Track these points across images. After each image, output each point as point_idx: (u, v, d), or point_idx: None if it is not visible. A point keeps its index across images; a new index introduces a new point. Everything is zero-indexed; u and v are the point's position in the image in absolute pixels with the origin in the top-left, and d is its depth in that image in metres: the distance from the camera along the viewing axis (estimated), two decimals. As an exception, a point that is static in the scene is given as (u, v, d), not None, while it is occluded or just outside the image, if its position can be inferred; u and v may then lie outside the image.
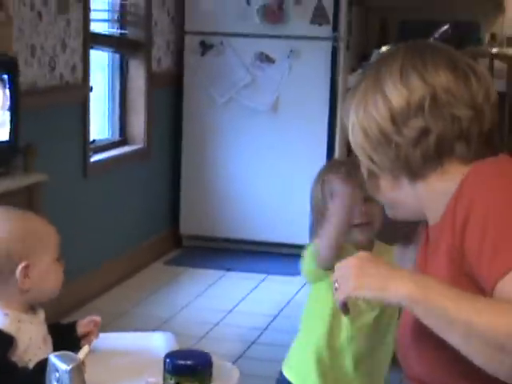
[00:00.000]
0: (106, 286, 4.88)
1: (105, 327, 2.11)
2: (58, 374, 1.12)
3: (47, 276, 1.88)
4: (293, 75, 5.52)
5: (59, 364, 1.11)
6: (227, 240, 5.73)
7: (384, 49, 4.51)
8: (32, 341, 1.82)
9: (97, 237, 4.81)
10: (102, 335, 2.05)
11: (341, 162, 2.59)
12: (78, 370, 1.11)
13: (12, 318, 1.82)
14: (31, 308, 1.89)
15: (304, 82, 5.50)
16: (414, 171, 1.50)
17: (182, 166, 5.76)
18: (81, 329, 1.98)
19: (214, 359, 1.09)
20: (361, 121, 1.54)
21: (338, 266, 1.39)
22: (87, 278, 4.58)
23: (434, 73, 1.49)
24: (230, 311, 4.65)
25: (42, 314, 1.90)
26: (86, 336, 1.96)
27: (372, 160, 1.55)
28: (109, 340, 2.08)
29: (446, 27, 3.80)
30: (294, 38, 5.50)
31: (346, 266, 1.36)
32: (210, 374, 1.04)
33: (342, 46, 5.45)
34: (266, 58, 5.55)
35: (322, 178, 2.42)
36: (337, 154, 5.41)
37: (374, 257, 1.39)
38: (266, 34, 5.52)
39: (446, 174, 1.48)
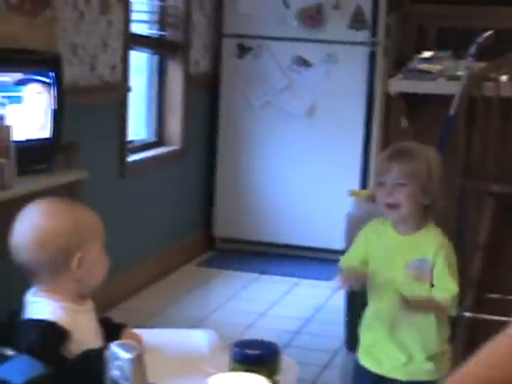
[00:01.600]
0: (139, 286, 4.91)
1: (137, 327, 2.13)
2: (119, 363, 1.14)
3: (97, 264, 1.91)
4: (330, 80, 5.52)
5: (121, 352, 1.13)
6: (261, 243, 5.74)
7: (424, 54, 4.50)
8: (85, 332, 1.85)
9: (131, 237, 4.84)
10: (141, 331, 2.06)
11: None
12: (140, 359, 1.12)
13: (67, 311, 1.85)
14: (81, 298, 1.91)
15: (341, 86, 5.50)
16: None
17: (216, 168, 5.78)
18: (125, 337, 1.98)
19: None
20: None
21: None
22: (120, 278, 4.60)
23: None
24: (263, 314, 4.66)
25: (91, 304, 1.93)
26: None
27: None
28: (149, 336, 2.10)
29: (489, 32, 3.79)
30: (332, 42, 5.50)
31: None
32: (278, 364, 1.05)
33: (379, 51, 5.45)
34: (303, 62, 5.56)
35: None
36: (372, 159, 5.41)
37: None
38: (303, 37, 5.53)
39: None
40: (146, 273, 5.00)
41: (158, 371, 1.80)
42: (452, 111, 3.65)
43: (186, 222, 5.61)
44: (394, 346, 2.58)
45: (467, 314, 3.54)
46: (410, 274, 2.53)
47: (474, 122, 3.67)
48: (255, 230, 5.73)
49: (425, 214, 2.59)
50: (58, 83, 3.49)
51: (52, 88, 3.47)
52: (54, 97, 3.47)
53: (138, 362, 1.11)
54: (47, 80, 3.45)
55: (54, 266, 1.85)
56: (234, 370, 1.05)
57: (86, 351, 1.78)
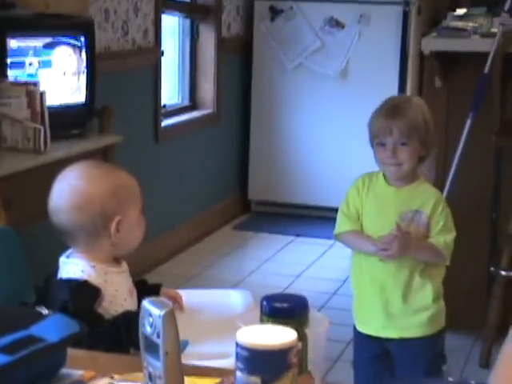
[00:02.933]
0: (175, 250, 4.94)
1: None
2: (151, 319, 1.14)
3: (135, 229, 1.91)
4: (363, 40, 5.47)
5: (153, 309, 1.14)
6: (295, 205, 5.74)
7: (458, 12, 4.43)
8: (118, 293, 1.86)
9: (166, 201, 4.86)
10: (180, 291, 2.08)
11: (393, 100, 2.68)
12: (171, 315, 1.13)
13: (99, 270, 1.86)
14: (116, 260, 1.92)
15: (374, 47, 5.45)
16: None
17: (250, 131, 5.77)
18: (164, 296, 2.01)
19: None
20: None
21: None
22: (157, 242, 4.64)
23: None
24: (299, 276, 4.67)
25: (125, 266, 1.94)
26: None
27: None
28: (187, 296, 2.11)
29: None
30: (365, 2, 5.45)
31: None
32: (307, 318, 1.05)
33: (413, 10, 5.38)
34: (335, 23, 5.51)
35: None
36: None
37: None
38: (336, -2, 5.48)
39: None
40: (182, 237, 5.03)
41: (192, 329, 1.82)
42: (486, 69, 3.60)
43: (221, 185, 5.62)
44: (383, 303, 2.59)
45: (503, 273, 3.52)
46: (403, 226, 2.53)
47: (509, 80, 3.62)
48: (290, 193, 5.72)
49: (417, 166, 2.61)
50: (90, 47, 3.49)
51: (83, 52, 3.47)
52: (87, 61, 3.48)
53: (170, 318, 1.12)
54: (78, 43, 3.46)
55: (93, 229, 1.86)
56: (262, 323, 1.05)
57: (126, 311, 1.80)
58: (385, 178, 2.61)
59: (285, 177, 5.72)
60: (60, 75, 3.43)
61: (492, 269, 3.61)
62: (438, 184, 3.76)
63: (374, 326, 2.63)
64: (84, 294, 1.80)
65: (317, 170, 5.66)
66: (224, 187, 5.67)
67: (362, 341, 2.69)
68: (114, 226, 1.85)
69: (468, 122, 3.59)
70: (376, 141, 2.57)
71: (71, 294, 1.78)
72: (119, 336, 1.73)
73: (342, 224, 2.63)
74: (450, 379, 3.12)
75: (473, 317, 3.71)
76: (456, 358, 3.56)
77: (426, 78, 4.45)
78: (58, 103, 3.39)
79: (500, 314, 3.50)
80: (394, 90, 5.43)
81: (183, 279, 4.51)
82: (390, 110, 2.57)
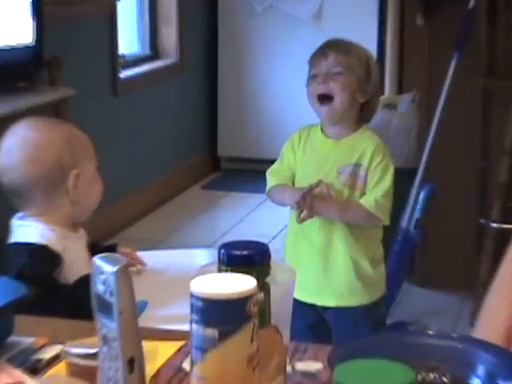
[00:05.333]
0: (140, 213, 4.93)
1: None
2: (103, 277, 1.13)
3: (92, 186, 1.90)
4: (338, -22, 5.45)
5: (105, 266, 1.13)
6: (270, 161, 5.70)
7: None
8: (78, 259, 1.85)
9: (127, 160, 4.84)
10: (142, 253, 2.08)
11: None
12: (125, 271, 1.12)
13: (58, 234, 1.85)
14: (73, 226, 1.91)
15: (350, -15, 5.43)
16: None
17: (218, 82, 5.74)
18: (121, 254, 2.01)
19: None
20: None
21: None
22: (119, 205, 4.61)
23: None
24: (275, 237, 4.68)
25: (83, 232, 1.93)
26: None
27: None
28: (151, 258, 2.11)
29: None
30: None
31: None
32: (269, 267, 1.05)
33: None
34: (307, -40, 5.48)
35: None
36: (387, 59, 5.35)
37: None
38: None
39: None
40: (146, 198, 5.02)
41: (153, 291, 1.82)
42: (471, 4, 3.59)
43: (187, 141, 5.60)
44: (318, 268, 2.55)
45: (494, 225, 3.55)
46: (343, 181, 2.49)
47: (497, 15, 3.62)
48: (263, 148, 5.71)
49: (359, 117, 2.55)
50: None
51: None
52: (32, 4, 3.43)
53: (123, 274, 1.11)
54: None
55: (50, 184, 1.85)
56: (221, 273, 1.05)
57: (85, 275, 1.79)
58: (322, 130, 2.57)
59: (256, 131, 5.71)
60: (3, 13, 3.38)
61: (482, 221, 3.64)
62: (422, 133, 3.77)
63: (310, 292, 2.57)
64: (44, 259, 1.79)
65: (291, 123, 5.62)
66: (191, 144, 5.66)
67: (298, 308, 2.62)
68: (71, 179, 1.84)
69: (452, 63, 3.59)
70: (309, 75, 2.53)
71: (30, 259, 1.77)
72: (79, 302, 1.72)
73: (270, 180, 2.60)
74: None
75: (462, 273, 3.74)
76: (445, 317, 3.59)
77: (406, 17, 4.45)
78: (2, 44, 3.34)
79: (491, 270, 3.52)
80: (373, 32, 5.42)
81: (149, 244, 4.50)
82: (331, 42, 2.58)
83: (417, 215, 3.28)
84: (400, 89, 5.27)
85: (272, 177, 2.60)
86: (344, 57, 2.49)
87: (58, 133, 1.87)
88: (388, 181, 2.50)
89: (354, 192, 2.51)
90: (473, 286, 3.55)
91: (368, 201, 2.48)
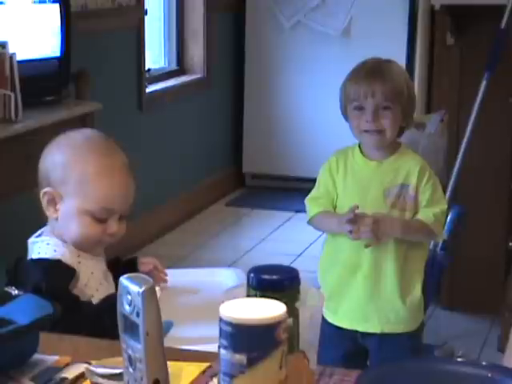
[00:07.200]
0: (163, 229, 4.94)
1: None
2: (130, 297, 1.14)
3: (72, 220, 1.87)
4: (367, -5, 5.46)
5: (131, 286, 1.14)
6: (295, 179, 5.73)
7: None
8: (93, 275, 1.86)
9: (151, 176, 4.85)
10: (168, 271, 2.09)
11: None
12: (152, 292, 1.13)
13: (72, 250, 1.86)
14: (84, 250, 1.90)
15: (379, 1, 5.43)
16: None
17: (244, 98, 5.75)
18: (142, 267, 2.01)
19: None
20: None
21: None
22: (142, 221, 4.62)
23: None
24: (300, 255, 4.68)
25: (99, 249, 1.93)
26: (147, 274, 1.99)
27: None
28: (176, 277, 2.12)
29: None
30: (369, -47, 5.43)
31: None
32: (298, 292, 1.05)
33: (422, -40, 5.36)
34: (337, -23, 5.49)
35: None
36: (416, 77, 5.35)
37: None
38: (337, -51, 5.46)
39: None
40: (170, 215, 5.03)
41: (178, 311, 1.83)
42: (503, 24, 3.58)
43: (212, 157, 5.61)
44: (364, 293, 2.51)
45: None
46: (390, 203, 2.47)
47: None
48: (288, 165, 5.72)
49: (397, 137, 2.54)
50: (65, 5, 3.47)
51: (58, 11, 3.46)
52: (61, 19, 3.45)
53: (150, 295, 1.11)
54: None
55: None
56: (250, 297, 1.05)
57: (109, 294, 1.80)
58: (362, 152, 2.53)
59: (283, 148, 5.71)
60: (30, 28, 3.41)
61: (511, 244, 3.62)
62: (452, 152, 3.76)
63: (352, 318, 2.53)
64: (58, 273, 1.80)
65: (318, 140, 5.65)
66: (216, 160, 5.67)
67: (335, 335, 2.54)
68: (45, 201, 1.85)
69: (483, 83, 3.58)
70: (353, 105, 2.48)
71: (44, 274, 1.78)
72: (102, 321, 1.73)
73: (311, 208, 2.55)
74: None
75: (490, 297, 3.72)
76: (472, 341, 3.58)
77: (436, 36, 4.45)
78: (30, 57, 3.38)
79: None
80: (402, 50, 5.42)
81: (172, 261, 4.51)
82: (372, 70, 2.49)
83: (444, 237, 3.26)
84: (428, 107, 5.27)
85: (312, 204, 2.55)
86: (391, 90, 2.45)
87: (71, 153, 1.88)
88: (441, 197, 2.52)
89: (404, 212, 2.49)
90: (500, 310, 3.53)
91: (426, 216, 2.47)
